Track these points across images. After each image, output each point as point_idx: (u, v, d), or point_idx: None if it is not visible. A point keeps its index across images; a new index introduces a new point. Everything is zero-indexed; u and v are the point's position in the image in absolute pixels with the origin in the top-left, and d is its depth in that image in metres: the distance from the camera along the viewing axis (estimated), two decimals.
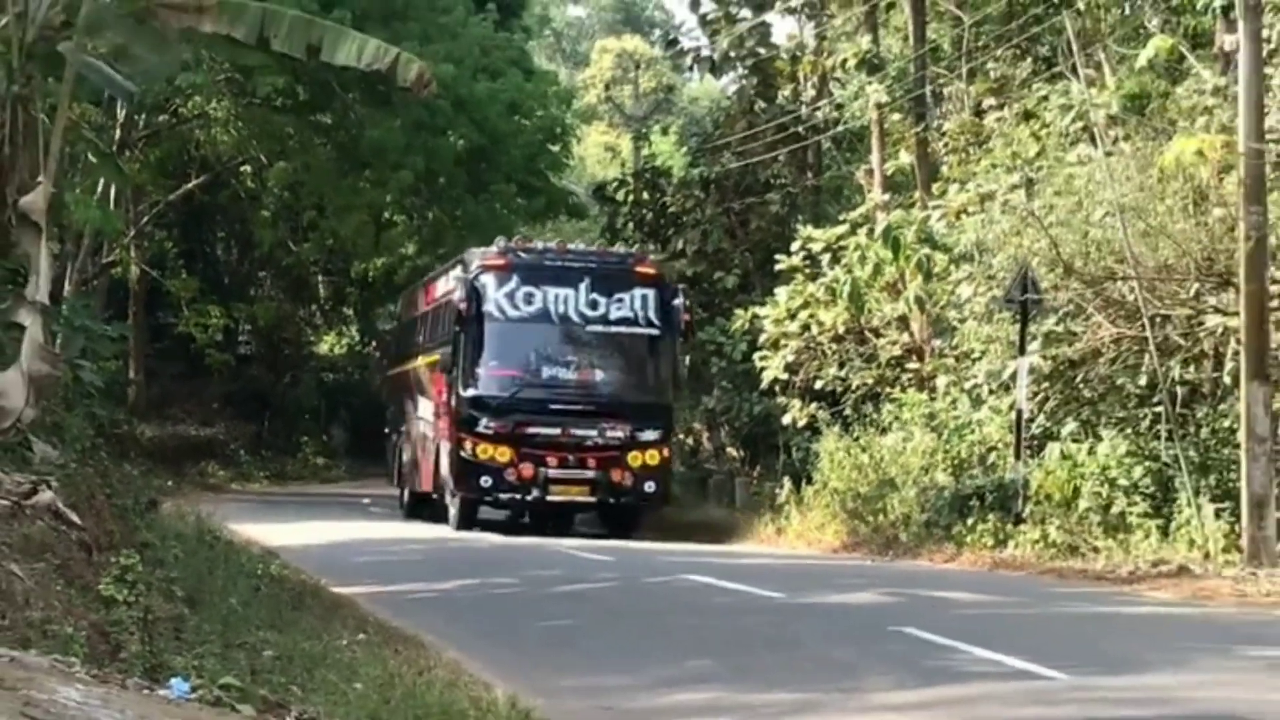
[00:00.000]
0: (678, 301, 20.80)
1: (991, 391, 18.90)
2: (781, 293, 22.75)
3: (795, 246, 22.94)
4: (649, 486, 20.26)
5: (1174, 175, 16.20)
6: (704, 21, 30.19)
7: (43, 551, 8.12)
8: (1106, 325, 17.57)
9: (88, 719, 5.36)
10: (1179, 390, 16.82)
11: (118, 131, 28.61)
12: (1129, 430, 16.97)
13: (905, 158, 24.59)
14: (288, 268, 39.16)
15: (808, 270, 22.63)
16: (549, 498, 20.09)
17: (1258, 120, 14.75)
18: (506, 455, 19.88)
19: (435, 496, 22.22)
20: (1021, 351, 17.47)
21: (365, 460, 38.27)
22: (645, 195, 29.68)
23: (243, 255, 40.84)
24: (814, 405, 22.35)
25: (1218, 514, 15.41)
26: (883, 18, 26.41)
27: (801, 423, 22.35)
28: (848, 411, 21.61)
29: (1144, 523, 15.98)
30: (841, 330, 22.11)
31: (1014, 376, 17.70)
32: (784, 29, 36.67)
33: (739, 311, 24.30)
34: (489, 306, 20.19)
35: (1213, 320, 16.62)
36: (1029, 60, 23.44)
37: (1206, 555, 15.07)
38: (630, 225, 28.77)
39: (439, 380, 21.62)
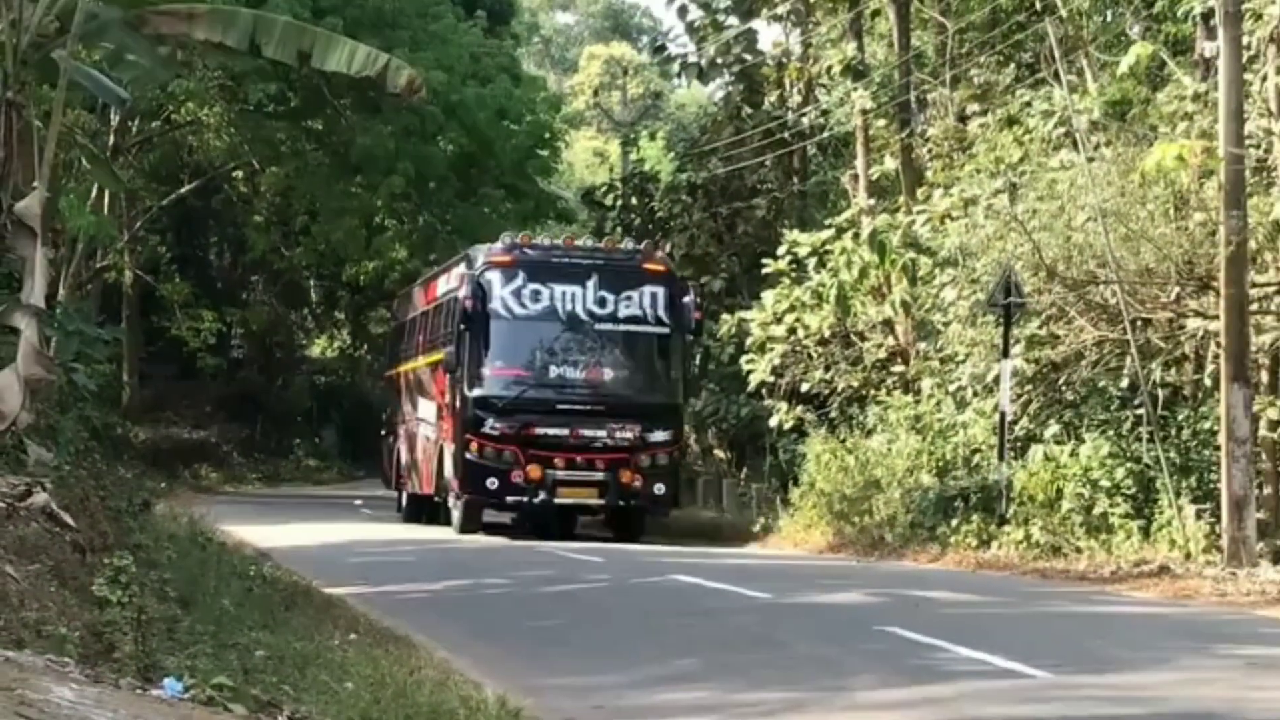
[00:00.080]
0: (688, 299, 20.39)
1: (975, 394, 19.01)
2: (768, 296, 22.80)
3: (781, 251, 22.99)
4: (658, 489, 19.81)
5: (1155, 180, 16.29)
6: (691, 29, 30.31)
7: (37, 553, 8.16)
8: (1089, 328, 17.67)
9: (82, 718, 5.39)
10: (1160, 393, 16.95)
11: (111, 137, 28.67)
12: (1111, 432, 17.10)
13: (890, 163, 24.73)
14: (280, 272, 39.25)
15: (794, 274, 22.69)
16: (557, 500, 19.70)
17: (1237, 126, 14.87)
18: (513, 457, 19.50)
19: (437, 499, 21.86)
20: (1005, 354, 17.58)
21: (356, 462, 38.43)
22: (633, 200, 29.88)
23: (235, 260, 40.94)
24: (800, 408, 22.46)
25: (1198, 515, 15.56)
26: (867, 25, 26.53)
27: (788, 425, 22.43)
28: (834, 414, 21.74)
29: (1126, 523, 16.13)
30: (827, 333, 22.19)
31: (997, 379, 17.82)
32: (770, 36, 36.82)
33: (726, 315, 24.41)
34: (494, 304, 19.77)
35: (1193, 323, 16.76)
36: (1012, 67, 23.59)
37: (1187, 555, 15.21)
38: (618, 229, 28.89)
39: (441, 380, 21.16)
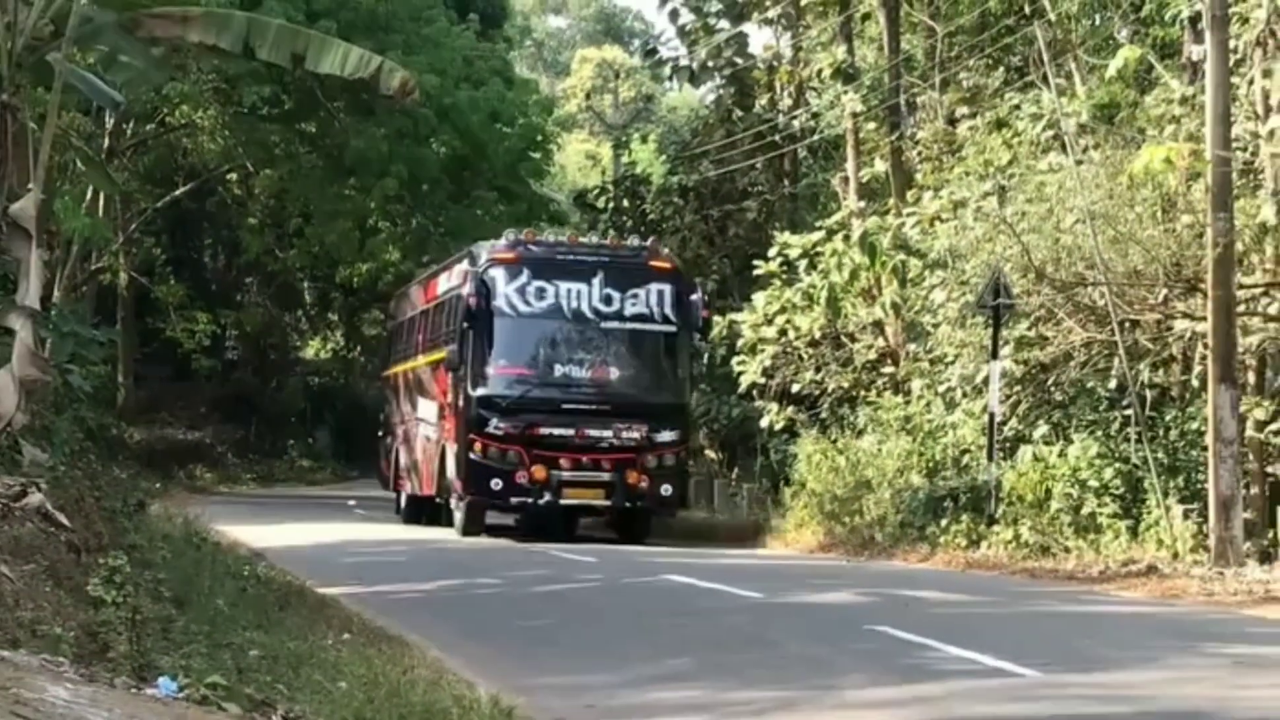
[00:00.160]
0: (695, 296, 20.10)
1: (965, 395, 19.08)
2: (759, 298, 22.86)
3: (772, 253, 23.02)
4: (665, 490, 19.42)
5: (1143, 183, 16.36)
6: (682, 32, 30.35)
7: (32, 553, 8.21)
8: (1077, 330, 17.76)
9: (77, 718, 5.42)
10: (1148, 393, 17.05)
11: (106, 140, 28.70)
12: (1099, 433, 17.20)
13: (880, 166, 24.82)
14: (274, 274, 39.29)
15: (785, 276, 22.73)
16: (562, 502, 19.34)
17: (1224, 129, 14.96)
18: (517, 457, 19.16)
19: (438, 500, 21.45)
20: (994, 355, 17.66)
21: (350, 463, 38.48)
22: (625, 202, 29.93)
23: (230, 261, 40.99)
24: (791, 408, 22.53)
25: (1186, 514, 15.63)
26: (858, 28, 26.60)
27: (779, 426, 22.48)
28: (824, 415, 21.81)
29: (1114, 523, 16.21)
30: (818, 335, 22.27)
31: (987, 380, 17.89)
32: (761, 39, 36.88)
33: (717, 317, 24.45)
34: (499, 302, 19.38)
35: (1181, 325, 16.84)
36: (1001, 70, 23.70)
37: (1175, 555, 15.29)
38: (610, 232, 28.95)
39: (443, 379, 20.71)
